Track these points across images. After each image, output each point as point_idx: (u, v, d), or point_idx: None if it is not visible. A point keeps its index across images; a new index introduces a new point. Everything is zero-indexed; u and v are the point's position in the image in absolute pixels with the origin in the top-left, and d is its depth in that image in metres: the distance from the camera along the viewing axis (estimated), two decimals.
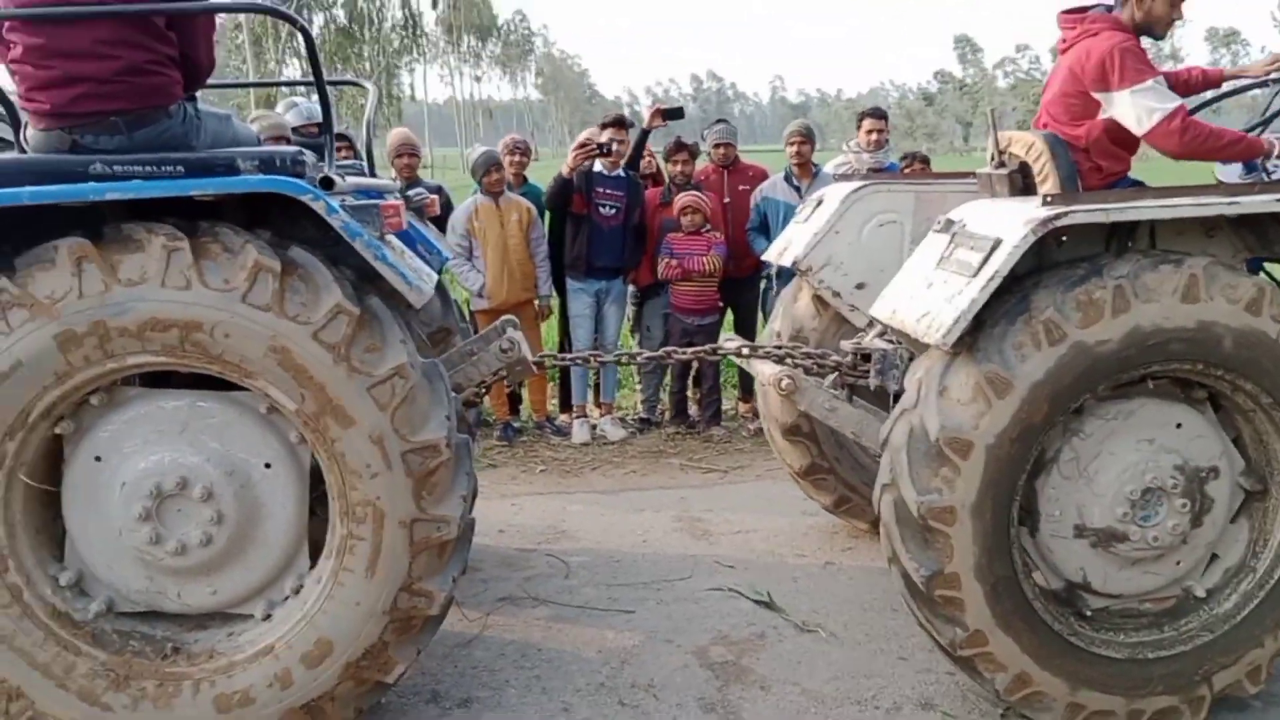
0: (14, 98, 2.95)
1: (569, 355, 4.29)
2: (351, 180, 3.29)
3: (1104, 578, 3.16)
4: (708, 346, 4.21)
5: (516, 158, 6.75)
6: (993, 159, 3.91)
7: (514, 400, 6.92)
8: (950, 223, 3.12)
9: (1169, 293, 2.83)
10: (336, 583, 2.89)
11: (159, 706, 2.89)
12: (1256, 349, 2.93)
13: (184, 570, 2.94)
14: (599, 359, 4.05)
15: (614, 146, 6.46)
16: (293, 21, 2.89)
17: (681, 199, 6.42)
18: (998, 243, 2.78)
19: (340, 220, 2.76)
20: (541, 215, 6.62)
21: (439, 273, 4.10)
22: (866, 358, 3.84)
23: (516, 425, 6.74)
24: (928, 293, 2.98)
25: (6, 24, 2.73)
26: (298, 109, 6.56)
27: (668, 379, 6.96)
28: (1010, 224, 2.80)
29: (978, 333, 2.90)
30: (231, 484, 2.87)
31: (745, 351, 4.01)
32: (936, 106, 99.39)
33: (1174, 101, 3.41)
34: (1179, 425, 3.06)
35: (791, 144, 6.62)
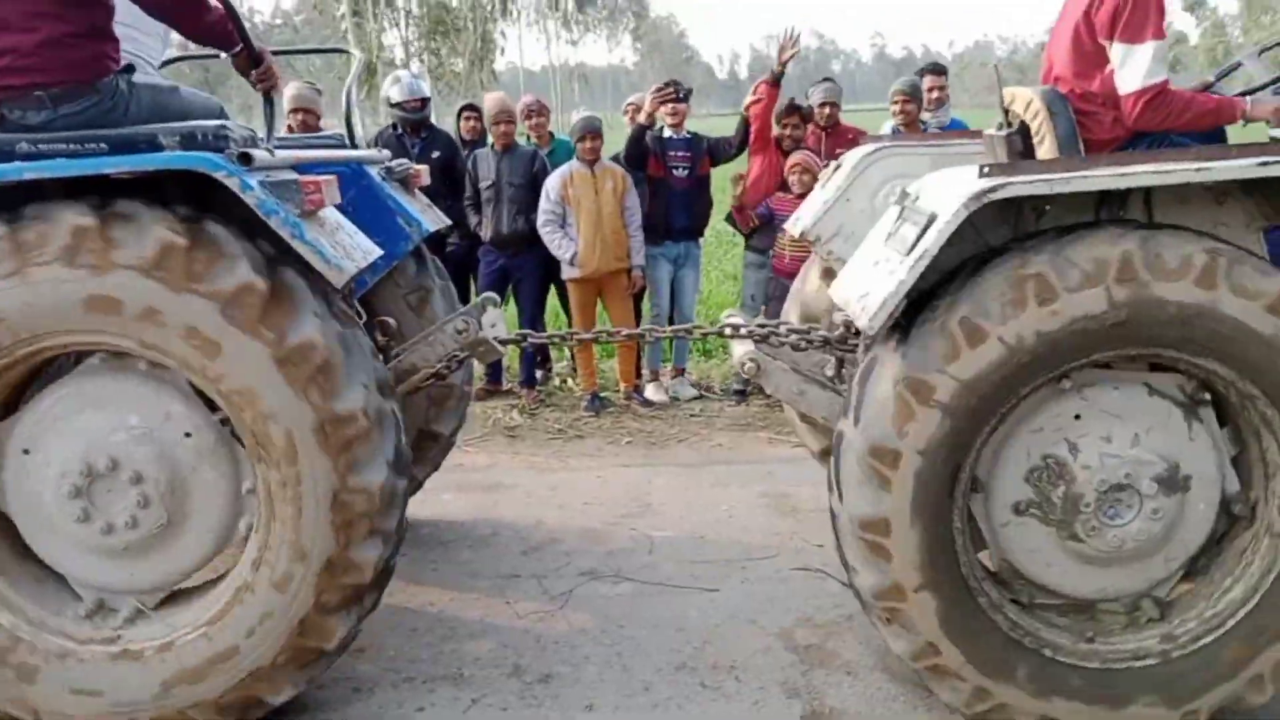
0: None
1: (541, 335, 4.15)
2: (294, 154, 3.23)
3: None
4: (687, 325, 4.02)
5: (533, 120, 7.00)
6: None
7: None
8: (905, 194, 2.86)
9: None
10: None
11: None
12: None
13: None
14: (576, 336, 3.91)
15: (684, 94, 6.58)
16: None
17: (794, 157, 6.30)
18: (932, 218, 2.53)
19: (255, 198, 2.69)
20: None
21: (415, 240, 4.02)
22: (858, 331, 3.60)
23: (603, 396, 6.74)
24: (872, 271, 2.75)
25: None
26: (401, 84, 6.81)
27: None
28: (948, 198, 2.53)
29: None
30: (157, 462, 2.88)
31: (728, 331, 3.80)
32: None
33: (1161, 75, 3.10)
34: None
35: (895, 102, 6.46)
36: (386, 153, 4.31)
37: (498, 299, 3.86)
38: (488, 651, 3.58)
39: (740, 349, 3.62)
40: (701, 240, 7.00)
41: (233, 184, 2.68)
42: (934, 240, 2.49)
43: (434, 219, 4.27)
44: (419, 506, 4.65)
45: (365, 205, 3.77)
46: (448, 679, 3.41)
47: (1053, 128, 3.29)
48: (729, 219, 6.94)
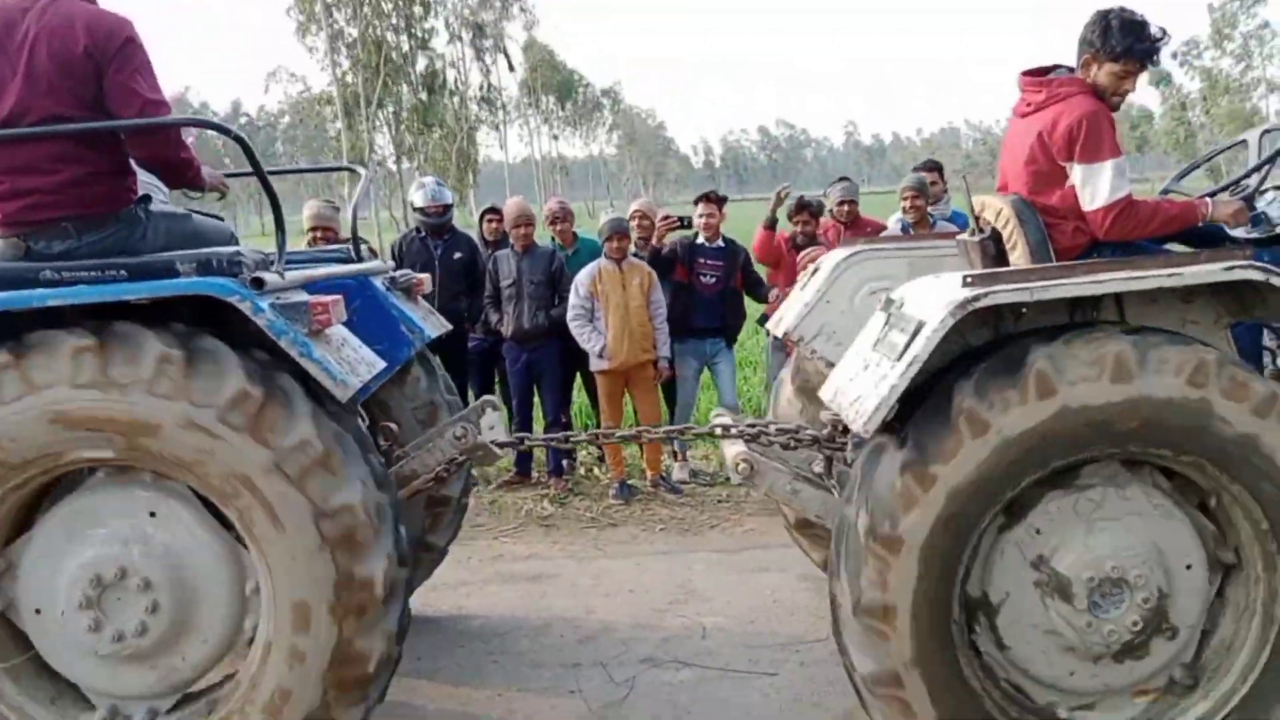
0: None
1: (538, 438, 4.23)
2: (303, 273, 3.35)
3: None
4: (679, 427, 4.12)
5: (558, 226, 7.20)
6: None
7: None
8: (890, 301, 3.01)
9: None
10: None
11: None
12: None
13: None
14: (572, 439, 4.00)
15: (697, 219, 6.96)
16: (228, 133, 2.96)
17: (808, 253, 6.38)
18: (920, 326, 2.67)
19: (266, 319, 2.81)
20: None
21: (418, 346, 4.14)
22: (845, 430, 3.71)
23: (630, 484, 6.82)
24: (863, 375, 2.88)
25: None
26: (424, 190, 7.13)
27: None
28: (933, 306, 2.68)
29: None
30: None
31: (718, 431, 3.90)
32: None
33: (1124, 190, 3.29)
34: None
35: (905, 199, 6.72)
36: (390, 263, 4.45)
37: (496, 402, 3.94)
38: None
39: (732, 449, 3.71)
40: (733, 343, 7.20)
41: (245, 307, 2.80)
42: (923, 347, 2.62)
43: (436, 325, 4.38)
44: (466, 599, 4.75)
45: (370, 314, 3.89)
46: None
47: (1024, 235, 3.47)
48: (762, 321, 7.10)
